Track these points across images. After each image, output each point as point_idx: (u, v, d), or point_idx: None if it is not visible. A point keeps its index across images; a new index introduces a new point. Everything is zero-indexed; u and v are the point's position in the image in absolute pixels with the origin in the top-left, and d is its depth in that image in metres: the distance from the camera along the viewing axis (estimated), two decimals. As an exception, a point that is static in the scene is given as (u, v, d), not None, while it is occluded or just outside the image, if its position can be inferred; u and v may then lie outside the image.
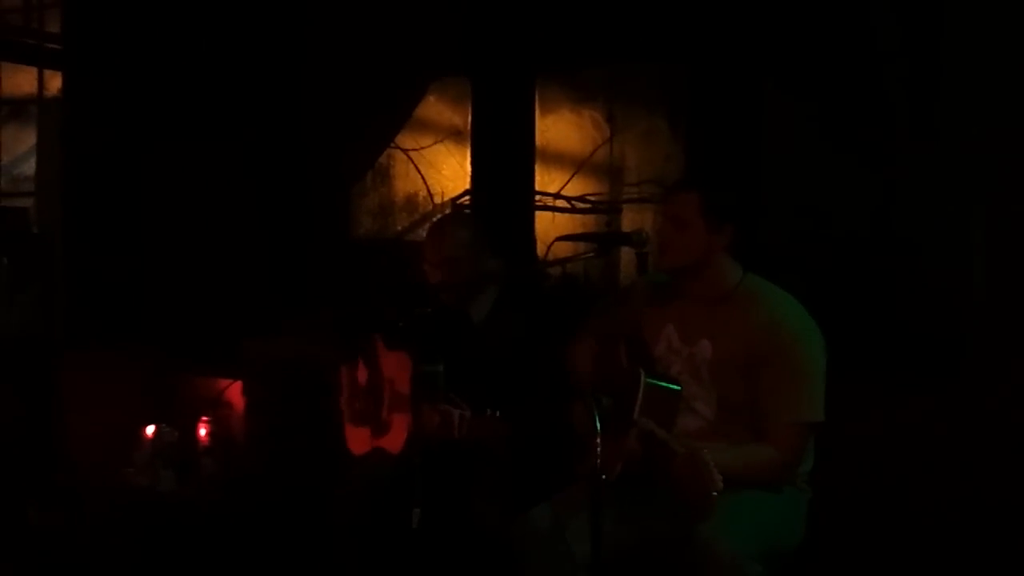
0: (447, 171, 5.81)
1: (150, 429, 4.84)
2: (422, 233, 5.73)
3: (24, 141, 6.80)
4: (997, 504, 3.44)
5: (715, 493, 2.61)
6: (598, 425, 2.66)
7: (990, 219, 3.73)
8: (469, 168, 5.33)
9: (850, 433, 3.42)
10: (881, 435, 3.63)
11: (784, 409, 2.98)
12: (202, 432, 4.87)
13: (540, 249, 5.10)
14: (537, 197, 5.34)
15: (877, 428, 3.63)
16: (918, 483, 3.57)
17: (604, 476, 2.68)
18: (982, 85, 3.74)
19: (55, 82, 6.11)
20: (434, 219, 5.41)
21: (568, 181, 5.53)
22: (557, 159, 5.57)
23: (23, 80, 6.58)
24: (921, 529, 3.53)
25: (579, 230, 5.22)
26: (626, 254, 4.98)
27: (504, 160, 5.12)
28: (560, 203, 5.50)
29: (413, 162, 5.82)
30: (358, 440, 3.87)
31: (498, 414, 3.30)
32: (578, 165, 5.54)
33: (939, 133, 3.86)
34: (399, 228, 5.92)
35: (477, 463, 3.58)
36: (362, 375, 3.88)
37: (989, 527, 3.44)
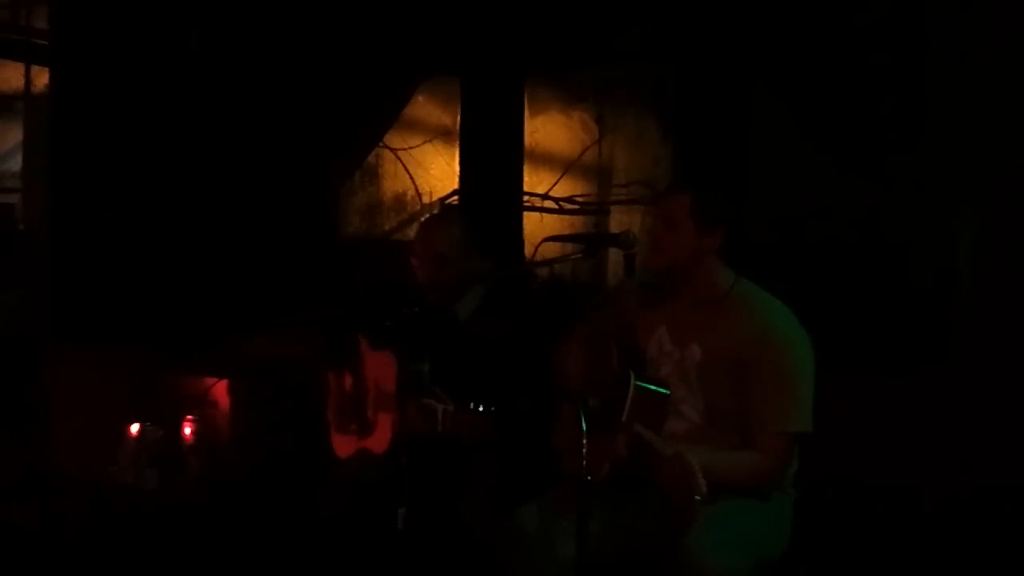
0: (436, 171, 5.81)
1: (135, 427, 4.82)
2: (410, 233, 5.73)
3: (11, 137, 6.78)
4: (987, 504, 3.45)
5: (698, 498, 2.61)
6: (584, 426, 2.66)
7: (977, 221, 3.74)
8: (458, 168, 5.33)
9: (837, 434, 3.42)
10: (868, 436, 3.64)
11: (771, 418, 2.97)
12: (187, 431, 4.85)
13: (528, 250, 5.10)
14: (525, 198, 5.35)
15: (864, 429, 3.63)
16: (904, 484, 3.57)
17: (590, 477, 2.68)
18: (968, 87, 3.76)
19: (42, 78, 6.09)
20: (424, 217, 5.41)
21: (557, 182, 5.54)
22: (546, 160, 5.57)
23: (11, 76, 6.56)
24: (907, 531, 3.54)
25: (567, 231, 5.24)
26: (614, 255, 4.98)
27: (493, 160, 5.12)
28: (548, 204, 5.51)
29: (402, 162, 5.82)
30: (343, 442, 3.86)
31: (481, 408, 3.30)
32: (567, 166, 5.55)
33: (926, 135, 3.87)
34: (387, 227, 5.92)
35: (463, 461, 3.58)
36: (348, 381, 3.87)
37: (978, 528, 3.45)
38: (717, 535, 2.78)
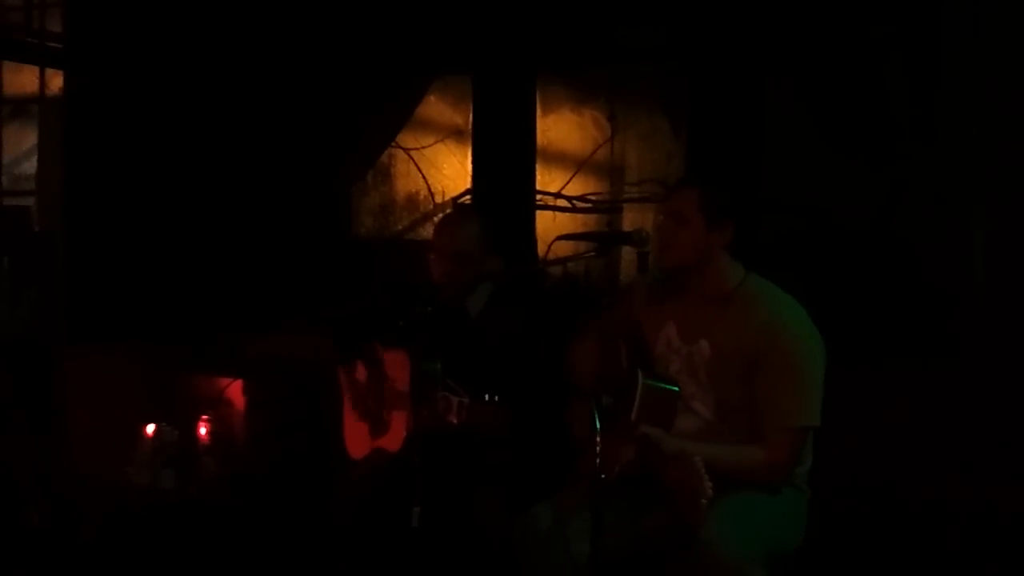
0: (448, 170, 5.81)
1: (150, 428, 4.83)
2: (423, 232, 5.74)
3: (25, 140, 6.80)
4: (997, 500, 3.44)
5: (704, 501, 2.61)
6: (598, 425, 2.66)
7: (990, 216, 3.73)
8: (470, 167, 5.34)
9: (850, 430, 3.42)
10: (881, 432, 3.63)
11: (780, 413, 2.97)
12: (202, 431, 4.87)
13: (541, 248, 5.10)
14: (538, 196, 5.34)
15: (877, 425, 3.63)
16: (918, 480, 3.57)
17: (603, 476, 2.68)
18: (981, 83, 3.75)
19: (57, 81, 6.10)
20: (444, 213, 5.42)
21: (569, 180, 5.53)
22: (558, 158, 5.57)
23: (25, 79, 6.58)
24: (921, 527, 3.53)
25: (580, 229, 5.22)
26: (627, 253, 4.98)
27: (505, 159, 5.12)
28: (561, 202, 5.50)
29: (414, 161, 5.82)
30: (357, 443, 3.87)
31: (497, 399, 3.31)
32: (579, 164, 5.54)
33: (938, 131, 3.86)
34: (400, 227, 5.92)
35: (478, 458, 3.58)
36: (361, 374, 3.89)
37: (989, 523, 3.44)
38: (733, 526, 2.78)
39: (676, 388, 2.98)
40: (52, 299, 5.32)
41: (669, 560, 2.93)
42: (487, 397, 3.33)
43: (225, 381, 4.99)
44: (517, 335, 3.65)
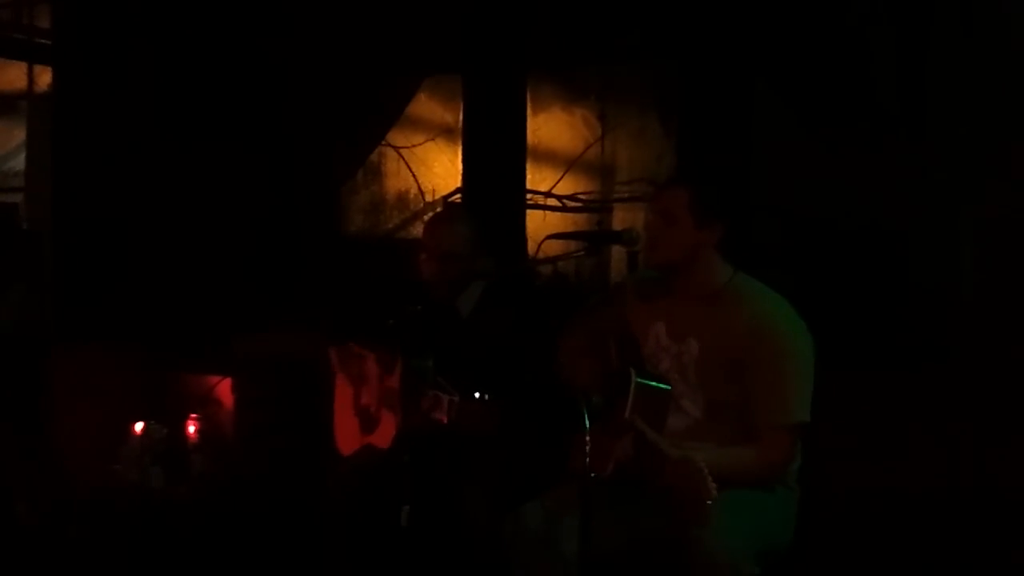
0: (438, 169, 5.81)
1: (139, 426, 4.82)
2: (413, 231, 5.74)
3: (14, 137, 6.79)
4: (987, 497, 3.45)
5: (709, 502, 2.61)
6: (587, 423, 2.66)
7: (978, 215, 3.74)
8: (460, 166, 5.33)
9: (838, 429, 3.42)
10: (869, 430, 3.64)
11: (771, 410, 2.97)
12: (191, 429, 4.86)
13: (531, 247, 5.10)
14: (528, 195, 5.35)
15: (865, 423, 3.63)
16: (907, 478, 3.57)
17: (594, 474, 2.68)
18: (969, 82, 3.76)
19: (45, 77, 6.10)
20: (433, 213, 5.42)
21: (559, 179, 5.54)
22: (548, 157, 5.57)
23: (13, 75, 6.57)
24: (912, 526, 3.54)
25: (570, 229, 5.22)
26: (617, 252, 4.99)
27: (495, 158, 5.12)
28: (551, 201, 5.50)
29: (404, 160, 5.82)
30: (347, 440, 3.87)
31: (487, 397, 3.32)
32: (569, 163, 5.55)
33: (927, 130, 3.87)
34: (390, 226, 5.92)
35: (467, 457, 3.58)
36: (352, 379, 3.88)
37: (980, 521, 3.45)
38: (726, 523, 2.78)
39: (668, 387, 2.98)
40: (40, 297, 5.30)
41: (662, 560, 2.93)
42: (477, 396, 3.33)
43: (214, 379, 4.98)
44: (508, 334, 3.65)
